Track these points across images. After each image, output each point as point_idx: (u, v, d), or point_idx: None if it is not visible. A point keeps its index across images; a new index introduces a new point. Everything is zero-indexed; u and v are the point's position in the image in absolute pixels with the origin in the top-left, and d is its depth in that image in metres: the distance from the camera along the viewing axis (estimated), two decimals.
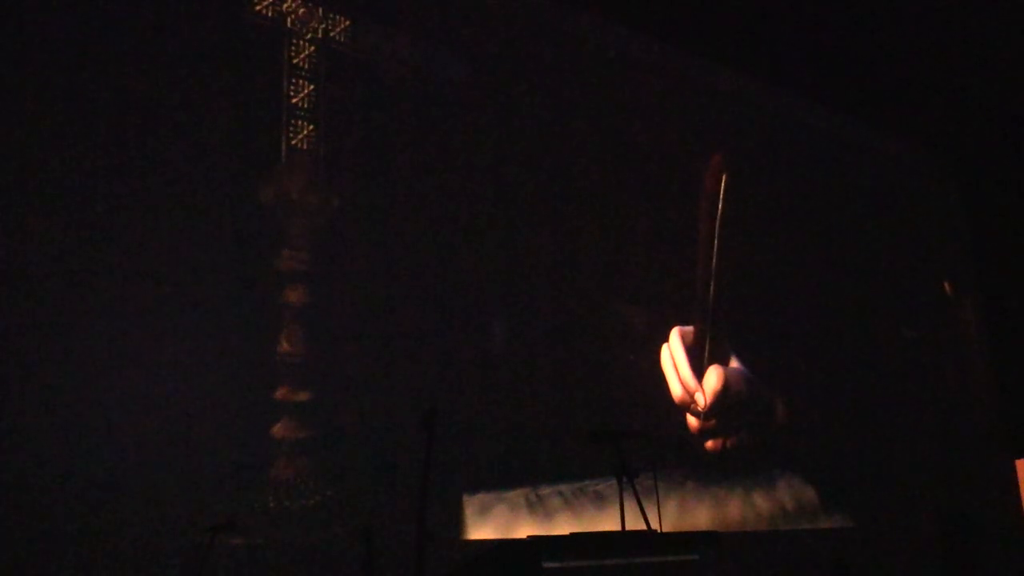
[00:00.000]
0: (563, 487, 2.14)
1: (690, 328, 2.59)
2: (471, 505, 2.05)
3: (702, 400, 2.52)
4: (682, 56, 2.99)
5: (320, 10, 2.15)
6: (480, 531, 2.07)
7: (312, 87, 2.09)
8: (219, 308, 1.85)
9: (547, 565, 1.13)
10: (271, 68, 2.05)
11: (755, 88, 3.18)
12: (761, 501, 2.67)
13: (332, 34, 2.16)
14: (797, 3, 2.89)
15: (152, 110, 1.86)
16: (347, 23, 2.19)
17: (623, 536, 1.30)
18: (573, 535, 1.28)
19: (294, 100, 2.06)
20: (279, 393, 1.89)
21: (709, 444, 2.55)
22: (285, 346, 1.90)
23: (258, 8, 2.05)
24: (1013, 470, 3.42)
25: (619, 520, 1.40)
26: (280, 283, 1.95)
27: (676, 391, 2.52)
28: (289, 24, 2.10)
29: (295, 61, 2.08)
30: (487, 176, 2.39)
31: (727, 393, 2.57)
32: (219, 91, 1.94)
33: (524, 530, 2.09)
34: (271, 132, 2.02)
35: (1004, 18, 3.04)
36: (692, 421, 2.54)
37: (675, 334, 2.56)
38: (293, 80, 2.07)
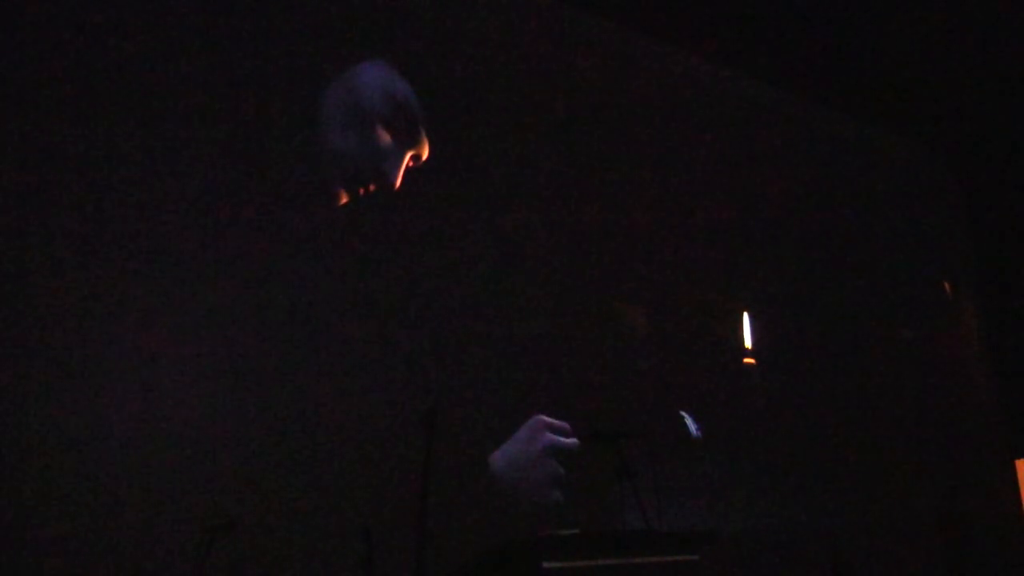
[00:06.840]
0: (563, 487, 2.13)
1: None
2: (471, 504, 2.04)
3: None
4: (681, 55, 2.99)
5: None
6: (480, 531, 2.06)
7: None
8: (219, 307, 1.85)
9: (547, 565, 1.12)
10: (278, 64, 2.05)
11: (753, 86, 3.18)
12: (761, 501, 2.67)
13: None
14: (797, 1, 2.90)
15: (153, 107, 1.85)
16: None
17: (623, 536, 1.29)
18: (573, 535, 1.26)
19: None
20: (279, 392, 1.88)
21: None
22: (285, 345, 1.90)
23: None
24: (1013, 470, 3.42)
25: (619, 520, 1.39)
26: (281, 282, 1.94)
27: None
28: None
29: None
30: (487, 174, 2.39)
31: None
32: (222, 88, 1.94)
33: (524, 530, 2.09)
34: (277, 131, 2.01)
35: (1005, 17, 3.04)
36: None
37: None
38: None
